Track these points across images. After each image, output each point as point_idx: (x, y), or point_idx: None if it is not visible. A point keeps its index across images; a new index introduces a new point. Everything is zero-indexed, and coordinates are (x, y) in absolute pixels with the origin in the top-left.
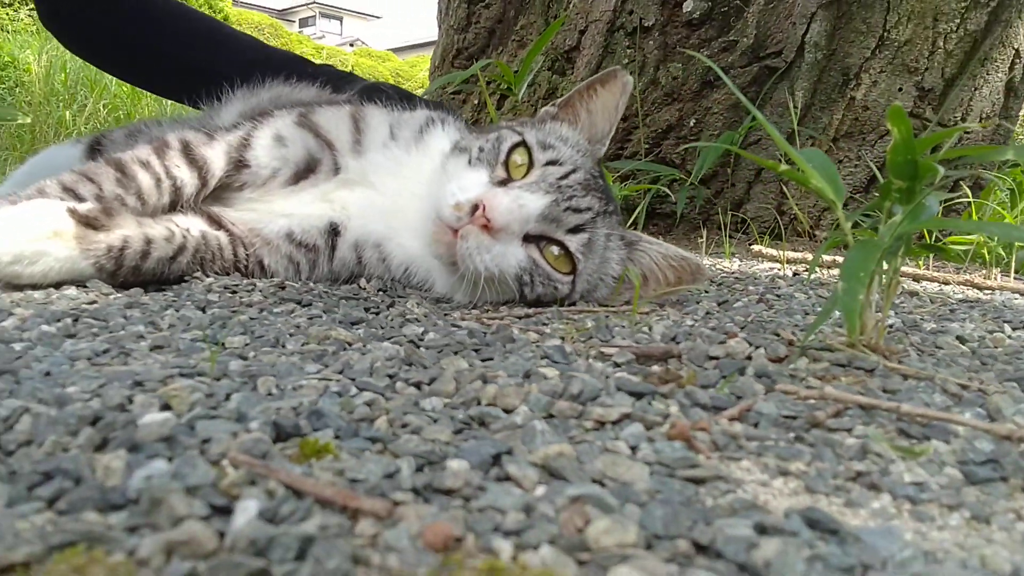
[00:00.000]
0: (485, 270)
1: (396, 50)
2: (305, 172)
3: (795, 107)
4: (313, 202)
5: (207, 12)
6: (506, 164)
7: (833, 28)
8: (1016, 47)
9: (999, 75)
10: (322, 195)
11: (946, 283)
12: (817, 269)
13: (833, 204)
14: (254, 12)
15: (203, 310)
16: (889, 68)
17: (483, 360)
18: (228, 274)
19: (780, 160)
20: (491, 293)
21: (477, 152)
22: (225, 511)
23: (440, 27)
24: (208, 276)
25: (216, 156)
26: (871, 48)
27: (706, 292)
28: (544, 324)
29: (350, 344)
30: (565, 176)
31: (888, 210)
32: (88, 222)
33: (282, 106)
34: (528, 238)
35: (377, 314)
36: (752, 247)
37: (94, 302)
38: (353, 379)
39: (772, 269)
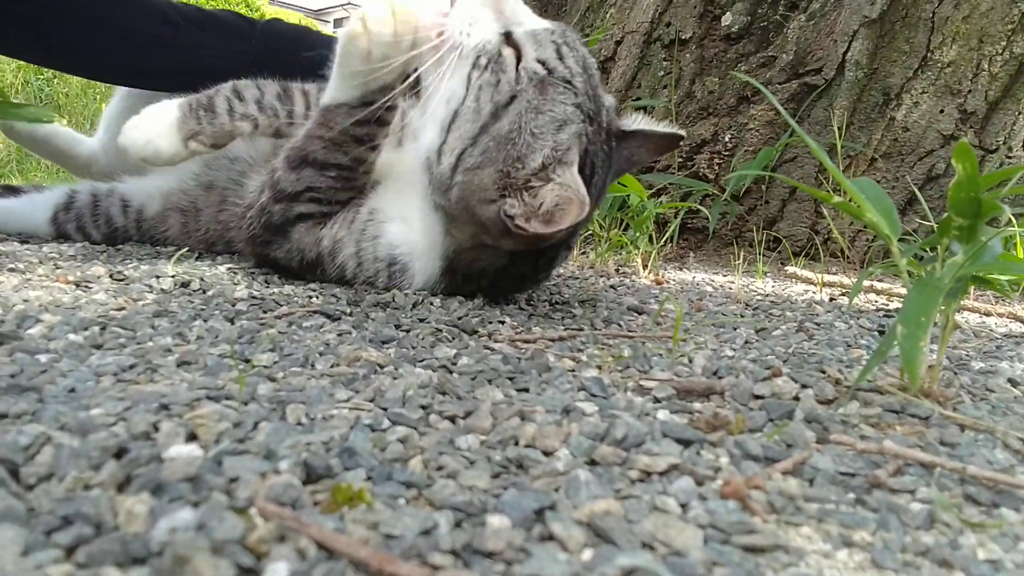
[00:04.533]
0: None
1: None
2: None
3: (834, 125)
4: None
5: (244, 12)
6: None
7: (875, 47)
8: None
9: None
10: None
11: (988, 315)
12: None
13: (888, 239)
14: (290, 11)
15: (232, 321)
16: (931, 89)
17: (518, 390)
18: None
19: (821, 181)
20: None
21: None
22: (253, 574)
23: None
24: None
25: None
26: (913, 68)
27: (742, 316)
28: (579, 350)
29: (381, 367)
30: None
31: (946, 247)
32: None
33: None
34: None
35: (408, 331)
36: (786, 268)
37: (122, 308)
38: (385, 408)
39: (807, 292)
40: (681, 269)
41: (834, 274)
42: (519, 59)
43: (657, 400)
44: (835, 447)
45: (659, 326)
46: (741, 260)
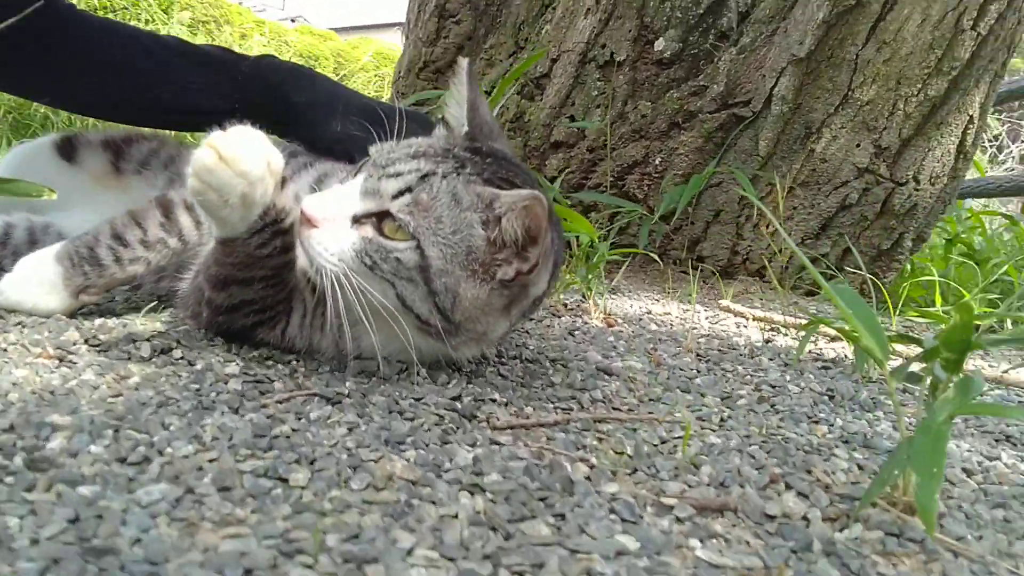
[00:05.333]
0: (323, 259)
1: (339, 30)
2: None
3: (760, 155)
4: None
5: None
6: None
7: (801, 83)
8: (971, 114)
9: (952, 138)
10: None
11: None
12: (784, 329)
13: (881, 364)
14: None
15: (236, 412)
16: (850, 125)
17: (555, 515)
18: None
19: (744, 206)
20: (369, 298)
21: None
22: None
23: (407, 37)
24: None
25: None
26: (835, 105)
27: (699, 372)
28: (582, 446)
29: (413, 483)
30: (389, 152)
31: (931, 371)
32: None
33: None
34: (359, 220)
35: (412, 420)
36: (720, 302)
37: (119, 395)
38: (453, 560)
39: (741, 328)
40: (614, 292)
41: (759, 306)
42: (381, 218)
43: (680, 520)
44: None
45: (633, 394)
46: (668, 277)
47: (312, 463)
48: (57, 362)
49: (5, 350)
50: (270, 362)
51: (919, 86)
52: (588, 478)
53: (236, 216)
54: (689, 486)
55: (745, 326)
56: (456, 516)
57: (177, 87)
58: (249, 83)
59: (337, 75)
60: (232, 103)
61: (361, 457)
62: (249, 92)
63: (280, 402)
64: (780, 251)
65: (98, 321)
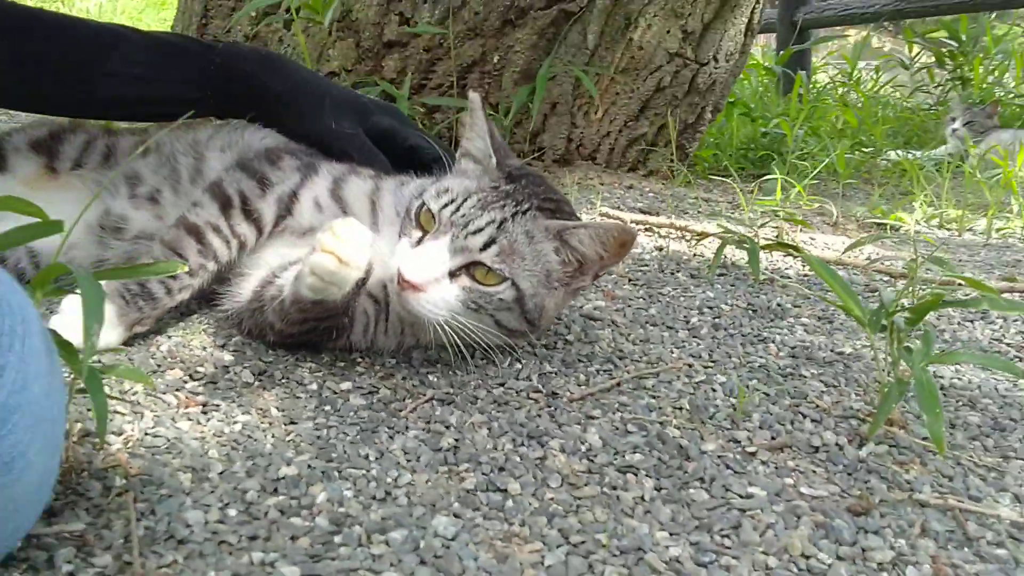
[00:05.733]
0: (435, 314)
1: None
2: None
3: (587, 48)
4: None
5: None
6: (420, 224)
7: None
8: None
9: (743, 19)
10: None
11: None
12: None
13: (861, 323)
14: None
15: (395, 430)
16: (662, 13)
17: (698, 480)
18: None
19: (577, 96)
20: (477, 335)
21: (400, 232)
22: None
23: None
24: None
25: (268, 208)
26: None
27: (645, 301)
28: (652, 408)
29: (589, 473)
30: (457, 209)
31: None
32: None
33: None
34: (455, 274)
35: (519, 407)
36: (599, 208)
37: (291, 433)
38: (688, 537)
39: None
40: None
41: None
42: (472, 267)
43: (764, 463)
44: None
45: (627, 339)
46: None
47: (502, 470)
48: (202, 407)
49: (138, 403)
50: (359, 368)
51: None
52: (686, 440)
53: (343, 293)
54: (749, 431)
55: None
56: (645, 498)
57: (147, 82)
58: (221, 70)
59: None
60: (204, 91)
61: (530, 456)
62: (220, 79)
63: (412, 411)
64: (608, 135)
65: (164, 347)
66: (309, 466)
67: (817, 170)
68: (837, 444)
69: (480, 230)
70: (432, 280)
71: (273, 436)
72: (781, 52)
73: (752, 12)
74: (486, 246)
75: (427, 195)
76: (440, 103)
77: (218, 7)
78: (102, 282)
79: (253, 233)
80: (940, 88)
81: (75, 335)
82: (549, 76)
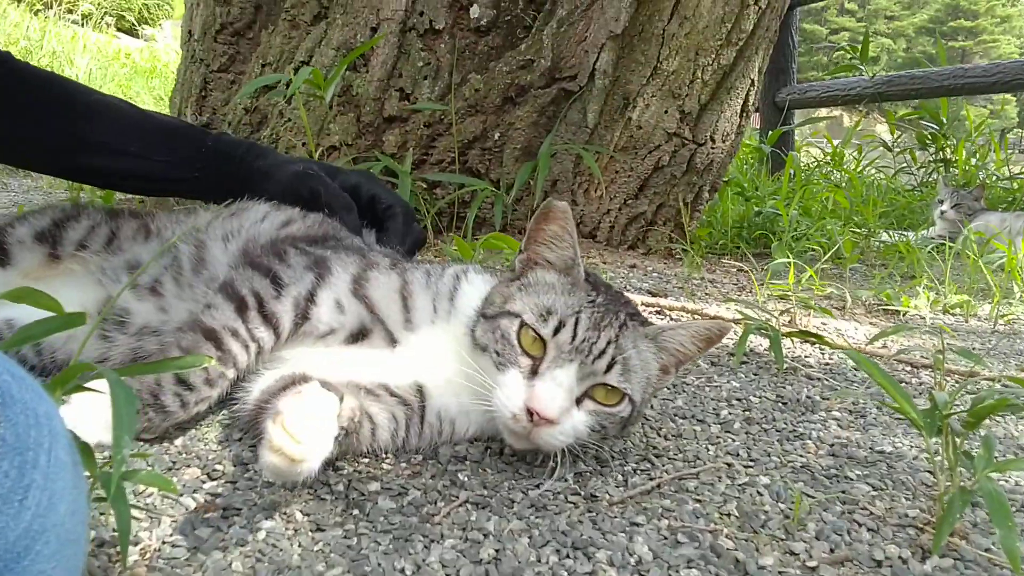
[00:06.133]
0: (567, 443)
1: None
2: (359, 336)
3: (587, 126)
4: (387, 360)
5: None
6: (524, 351)
7: (618, 58)
8: (752, 78)
9: (739, 100)
10: (391, 360)
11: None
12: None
13: (919, 427)
14: None
15: (429, 539)
16: (659, 94)
17: None
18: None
19: (578, 172)
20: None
21: (495, 356)
22: None
23: None
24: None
25: (285, 311)
26: (647, 76)
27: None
28: (695, 517)
29: None
30: (574, 335)
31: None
32: None
33: (296, 237)
34: (579, 400)
35: (557, 512)
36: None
37: (319, 542)
38: None
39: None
40: None
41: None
42: (593, 388)
43: None
44: None
45: (658, 433)
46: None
47: None
48: (221, 512)
49: (154, 506)
50: (385, 465)
51: (713, 56)
52: (742, 553)
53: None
54: (806, 542)
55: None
56: None
57: (144, 161)
58: (213, 153)
59: None
60: (193, 172)
61: (579, 571)
62: (213, 160)
63: (446, 516)
64: (608, 212)
65: (179, 441)
66: None
67: (827, 256)
68: (900, 558)
69: (603, 352)
70: (564, 410)
71: (300, 545)
72: (770, 132)
73: (747, 94)
74: (609, 367)
75: (527, 317)
76: (441, 179)
77: (217, 79)
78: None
79: (271, 337)
80: (923, 169)
81: (85, 432)
82: (551, 153)
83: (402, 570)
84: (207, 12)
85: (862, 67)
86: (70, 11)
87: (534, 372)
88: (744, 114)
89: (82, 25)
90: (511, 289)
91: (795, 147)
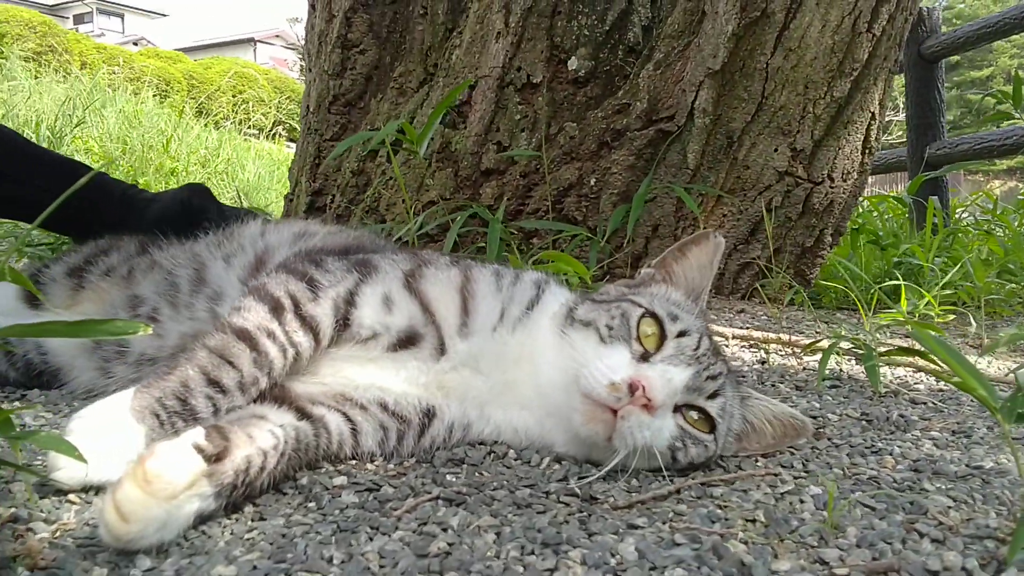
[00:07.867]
0: (645, 445)
1: (186, 50)
2: (405, 344)
3: (688, 168)
4: (413, 382)
5: None
6: (638, 337)
7: (719, 95)
8: (872, 111)
9: (858, 136)
10: (424, 378)
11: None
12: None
13: (993, 412)
14: (22, 8)
15: (378, 530)
16: (766, 131)
17: None
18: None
19: (680, 217)
20: (641, 462)
21: (606, 330)
22: None
23: (311, 70)
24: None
25: (325, 315)
26: (751, 113)
27: None
28: (714, 520)
29: None
30: (698, 346)
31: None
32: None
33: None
34: (675, 408)
35: (543, 511)
36: None
37: (253, 530)
38: None
39: (723, 346)
40: None
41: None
42: (688, 407)
43: None
44: None
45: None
46: None
47: None
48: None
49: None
50: (371, 465)
51: (825, 88)
52: (751, 556)
53: None
54: (842, 550)
55: (727, 344)
56: None
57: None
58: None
59: (195, 100)
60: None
61: (537, 567)
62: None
63: (409, 511)
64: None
65: None
66: (254, 567)
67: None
68: (964, 568)
69: (714, 377)
70: (666, 404)
71: (231, 533)
72: (928, 197)
73: (868, 128)
74: (714, 395)
75: (657, 310)
76: (535, 226)
77: (330, 148)
78: (131, 399)
79: (310, 343)
80: None
81: (89, 444)
82: (650, 197)
83: (330, 559)
84: (322, 86)
85: (1017, 112)
86: (243, 123)
87: (644, 359)
88: (866, 151)
89: (256, 136)
90: (632, 290)
91: (951, 205)
